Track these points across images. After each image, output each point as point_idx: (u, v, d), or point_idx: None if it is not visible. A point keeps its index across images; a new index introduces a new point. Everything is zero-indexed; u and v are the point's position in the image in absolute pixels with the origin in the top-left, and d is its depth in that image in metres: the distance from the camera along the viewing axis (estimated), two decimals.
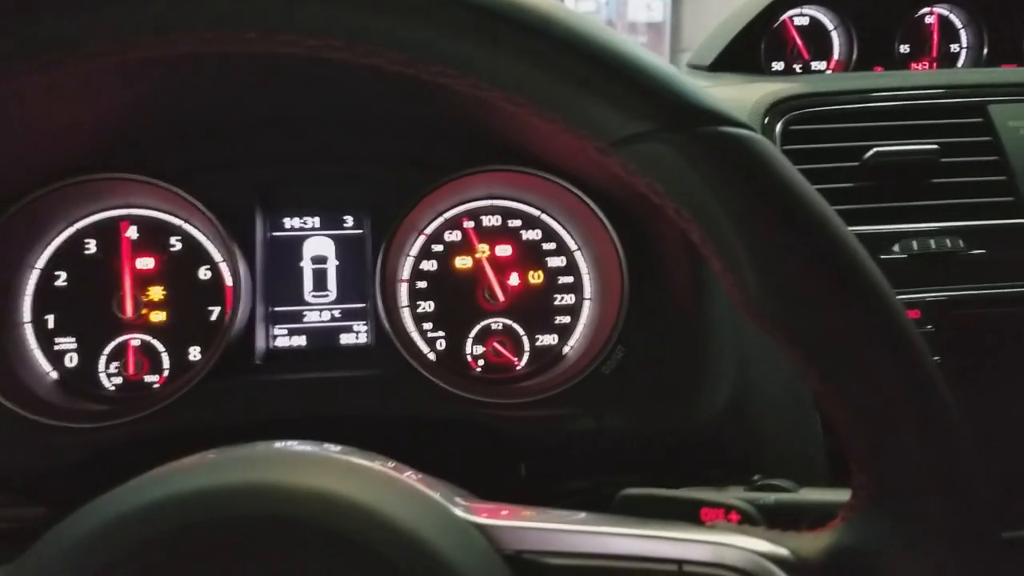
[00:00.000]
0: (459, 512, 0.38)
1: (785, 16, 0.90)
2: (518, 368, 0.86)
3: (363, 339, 0.85)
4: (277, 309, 0.84)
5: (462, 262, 0.86)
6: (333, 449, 0.40)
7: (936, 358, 0.68)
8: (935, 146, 0.74)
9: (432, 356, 0.85)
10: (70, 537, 0.34)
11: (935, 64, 0.93)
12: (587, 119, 0.39)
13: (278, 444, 0.41)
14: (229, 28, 0.36)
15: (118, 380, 0.81)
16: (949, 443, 0.38)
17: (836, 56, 0.92)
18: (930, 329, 0.70)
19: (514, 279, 0.86)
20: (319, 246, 0.86)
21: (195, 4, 0.35)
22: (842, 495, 0.44)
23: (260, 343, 0.82)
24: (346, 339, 0.85)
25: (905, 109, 0.78)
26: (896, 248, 0.71)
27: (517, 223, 0.87)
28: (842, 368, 0.38)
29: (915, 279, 0.72)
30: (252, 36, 0.36)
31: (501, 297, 0.86)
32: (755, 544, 0.37)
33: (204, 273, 0.83)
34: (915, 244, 0.71)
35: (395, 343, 0.79)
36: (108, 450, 0.75)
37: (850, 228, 0.70)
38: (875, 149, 0.73)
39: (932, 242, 0.71)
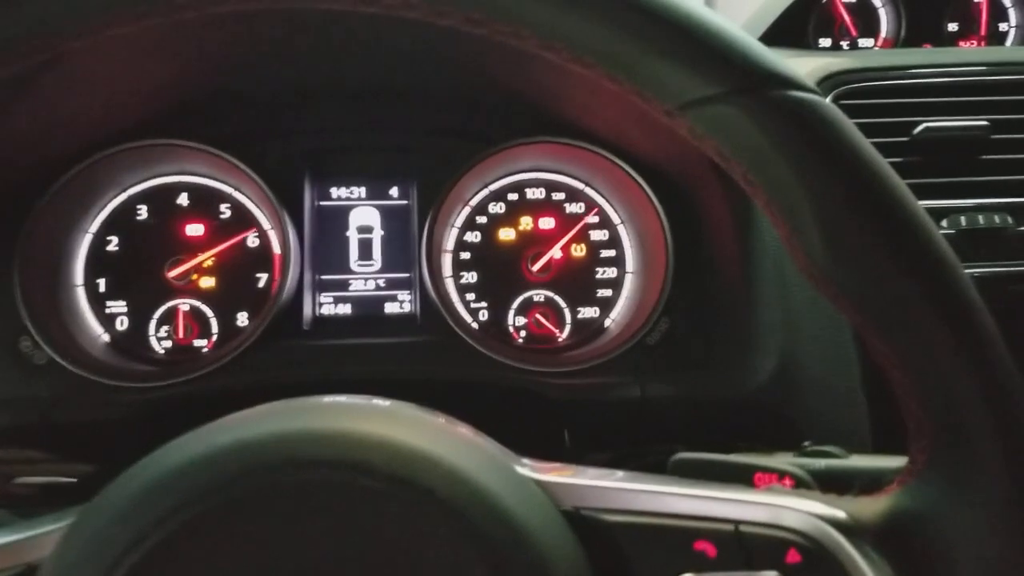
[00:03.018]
0: (520, 468, 0.39)
1: None
2: (560, 340, 0.87)
3: (407, 308, 0.86)
4: (324, 277, 0.86)
5: (506, 234, 0.87)
6: (397, 403, 0.41)
7: None
8: (986, 122, 0.73)
9: (475, 326, 0.86)
10: (142, 480, 0.35)
11: (983, 42, 0.92)
12: (657, 82, 0.39)
13: (343, 397, 0.42)
14: None
15: (168, 344, 0.83)
16: (1009, 406, 0.38)
17: (884, 34, 0.91)
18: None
19: (557, 252, 0.87)
20: (365, 216, 0.87)
21: None
22: (893, 461, 0.44)
23: (307, 310, 0.84)
24: (391, 308, 0.86)
25: (955, 85, 0.77)
26: (945, 223, 0.71)
27: (561, 196, 0.88)
28: (906, 333, 0.38)
29: (964, 254, 0.71)
30: None
31: (544, 269, 0.86)
32: (812, 507, 0.38)
33: (253, 240, 0.84)
34: (964, 220, 0.71)
35: (440, 311, 0.80)
36: (158, 410, 0.77)
37: None
38: (925, 124, 0.73)
39: (981, 217, 0.71)
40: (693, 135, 0.40)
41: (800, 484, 0.45)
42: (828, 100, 0.72)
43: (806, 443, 0.52)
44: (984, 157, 0.74)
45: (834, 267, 0.39)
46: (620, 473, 0.42)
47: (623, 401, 0.76)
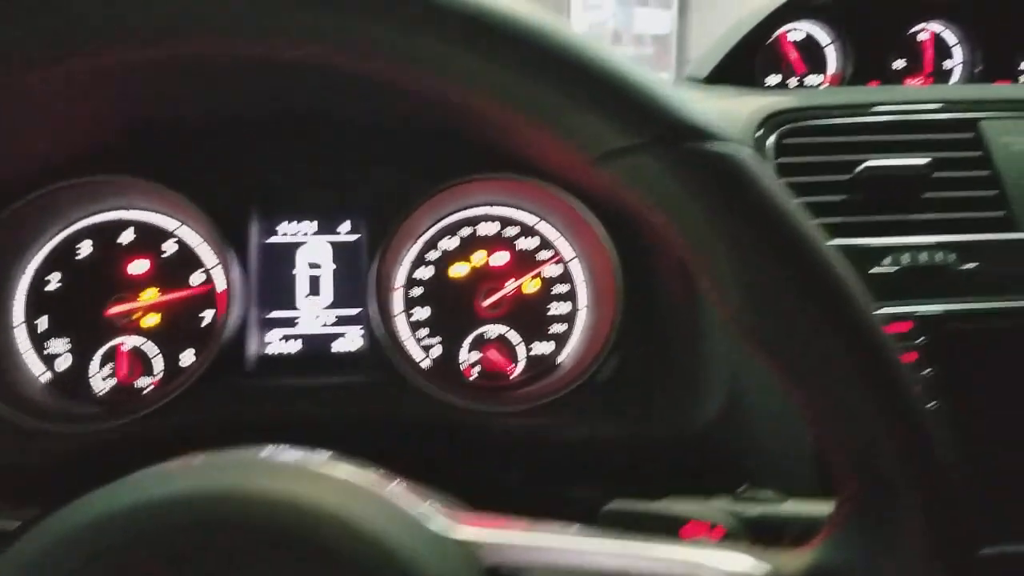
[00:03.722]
0: (434, 526, 0.39)
1: (781, 31, 0.90)
2: (513, 376, 0.86)
3: (357, 345, 0.85)
4: (270, 315, 0.85)
5: (458, 269, 0.87)
6: (315, 458, 0.40)
7: (928, 370, 0.69)
8: (927, 160, 0.74)
9: (426, 363, 0.85)
10: (43, 538, 0.35)
11: (930, 80, 0.94)
12: (575, 131, 0.39)
13: (258, 450, 0.41)
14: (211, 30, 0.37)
15: (110, 383, 0.81)
16: (926, 462, 0.38)
17: (831, 71, 0.92)
18: (922, 341, 0.70)
19: (510, 287, 0.86)
20: (314, 251, 0.86)
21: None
22: (827, 507, 0.44)
23: (252, 349, 0.82)
24: (339, 345, 0.85)
25: (897, 123, 0.78)
26: (887, 261, 0.72)
27: (514, 231, 0.88)
28: (824, 388, 0.38)
29: (907, 292, 0.72)
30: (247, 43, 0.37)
31: (497, 305, 0.86)
32: (735, 562, 0.38)
33: (198, 278, 0.83)
34: (906, 258, 0.72)
35: (389, 349, 0.79)
36: (99, 452, 0.76)
37: (842, 241, 0.71)
38: (867, 163, 0.74)
39: (923, 256, 0.72)
40: (615, 185, 0.40)
41: (730, 534, 0.45)
42: (772, 140, 0.74)
43: (743, 487, 0.52)
44: (926, 195, 0.75)
45: (752, 321, 0.39)
46: (546, 527, 0.42)
47: (571, 441, 0.75)
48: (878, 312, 0.68)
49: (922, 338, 0.70)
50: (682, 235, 0.40)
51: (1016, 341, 0.72)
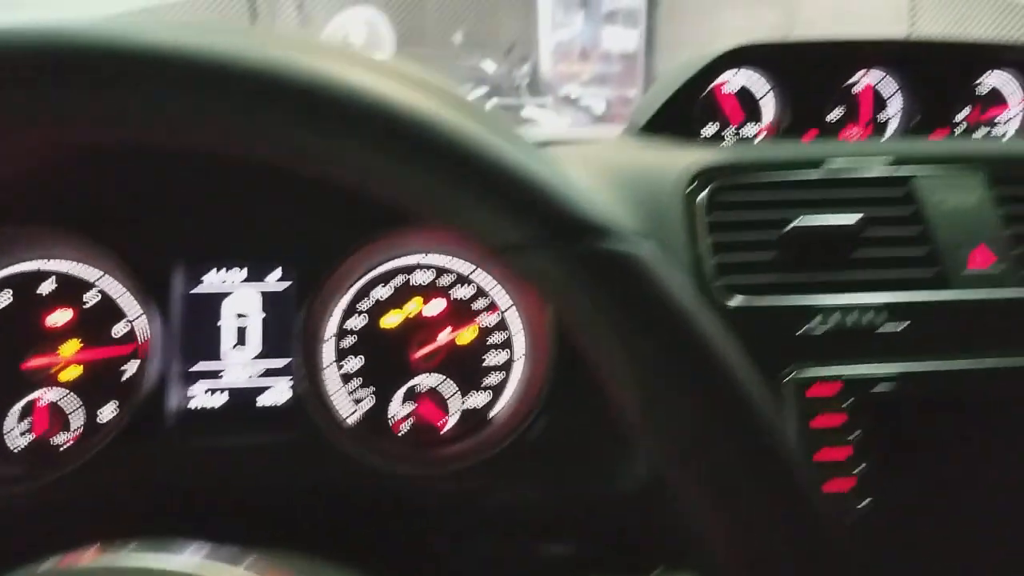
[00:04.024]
0: None
1: (717, 81, 0.90)
2: (444, 430, 0.84)
3: (284, 399, 0.83)
4: (195, 368, 0.83)
5: (391, 319, 0.85)
6: (176, 559, 0.39)
7: (857, 432, 0.68)
8: (856, 219, 0.74)
9: (355, 417, 0.83)
10: None
11: (867, 130, 0.94)
12: (474, 225, 0.38)
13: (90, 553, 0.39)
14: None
15: (27, 439, 0.79)
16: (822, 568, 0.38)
17: (768, 121, 0.92)
18: (850, 404, 0.70)
19: (444, 337, 0.85)
20: (242, 301, 0.84)
21: None
22: None
23: (174, 403, 0.80)
24: (266, 399, 0.83)
25: (829, 180, 0.78)
26: (816, 321, 0.71)
27: (449, 280, 0.86)
28: (719, 497, 0.38)
29: (835, 354, 0.71)
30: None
31: (431, 355, 0.85)
32: None
33: (120, 329, 0.81)
34: (835, 318, 0.71)
35: (316, 404, 0.78)
36: (14, 512, 0.73)
37: (772, 301, 0.70)
38: (797, 221, 0.73)
39: (852, 316, 0.71)
40: (514, 277, 0.40)
41: None
42: (703, 196, 0.73)
43: (658, 570, 0.51)
44: (857, 253, 0.75)
45: (646, 424, 0.39)
46: None
47: (496, 506, 0.74)
48: (805, 376, 0.67)
49: (849, 401, 0.69)
50: (577, 332, 0.39)
51: (945, 403, 0.71)
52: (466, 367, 0.85)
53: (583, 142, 0.99)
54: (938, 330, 0.73)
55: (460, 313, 0.85)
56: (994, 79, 0.96)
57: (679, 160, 0.79)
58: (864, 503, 0.69)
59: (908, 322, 0.72)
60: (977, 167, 0.80)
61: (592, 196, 0.39)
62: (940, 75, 0.94)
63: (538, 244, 0.37)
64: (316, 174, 0.40)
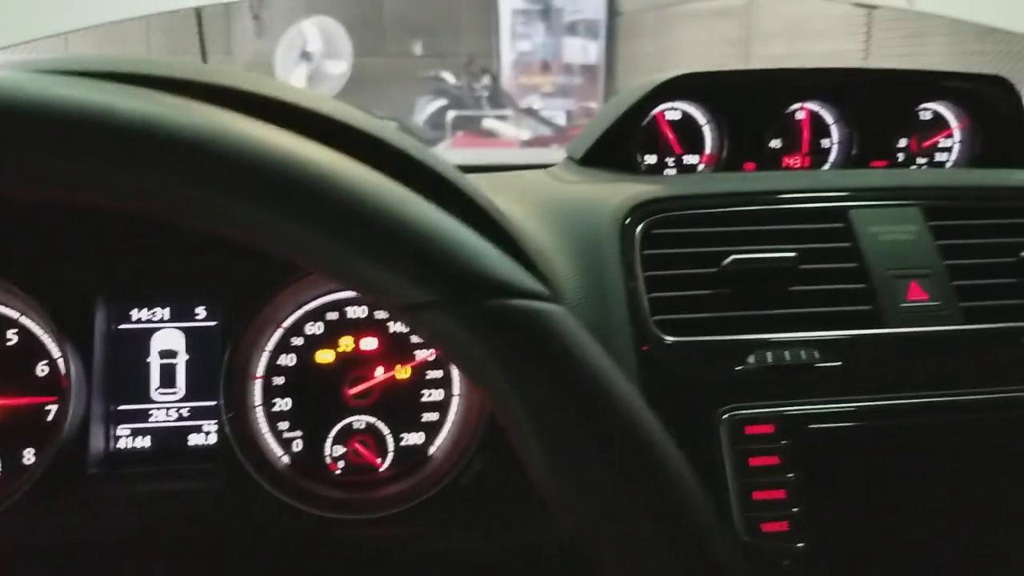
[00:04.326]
0: None
1: (657, 110, 0.89)
2: (381, 470, 0.82)
3: (212, 440, 0.80)
4: (120, 408, 0.80)
5: (324, 356, 0.83)
6: None
7: (790, 475, 0.67)
8: (793, 253, 0.73)
9: (286, 459, 0.81)
10: None
11: (807, 159, 0.93)
12: (374, 283, 0.37)
13: None
14: None
15: None
16: None
17: (708, 150, 0.91)
18: (784, 444, 0.68)
19: (380, 373, 0.83)
20: (168, 339, 0.81)
21: None
22: None
23: (98, 445, 0.78)
24: (194, 441, 0.81)
25: (766, 214, 0.77)
26: (752, 359, 0.70)
27: (384, 314, 0.84)
28: (627, 556, 0.37)
29: (770, 392, 0.70)
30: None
31: (365, 393, 0.82)
32: None
33: (42, 369, 0.78)
34: (770, 355, 0.70)
35: (246, 446, 0.76)
36: None
37: (708, 338, 0.69)
38: (733, 256, 0.72)
39: (788, 353, 0.70)
40: (420, 335, 0.38)
41: None
42: (639, 230, 0.72)
43: None
44: (793, 289, 0.74)
45: (556, 487, 0.37)
46: None
47: (431, 552, 0.72)
48: (741, 415, 0.66)
49: (784, 440, 0.68)
50: (484, 390, 0.38)
51: (880, 441, 0.71)
52: (402, 405, 0.83)
53: (522, 168, 0.98)
54: (875, 366, 0.72)
55: (396, 349, 0.83)
56: (933, 108, 0.96)
57: (616, 193, 0.78)
58: (801, 544, 0.68)
59: (845, 358, 0.72)
60: (915, 200, 0.80)
61: (495, 251, 0.38)
62: (879, 105, 0.94)
63: (441, 303, 0.35)
64: (208, 231, 0.38)
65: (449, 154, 1.57)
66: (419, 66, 6.61)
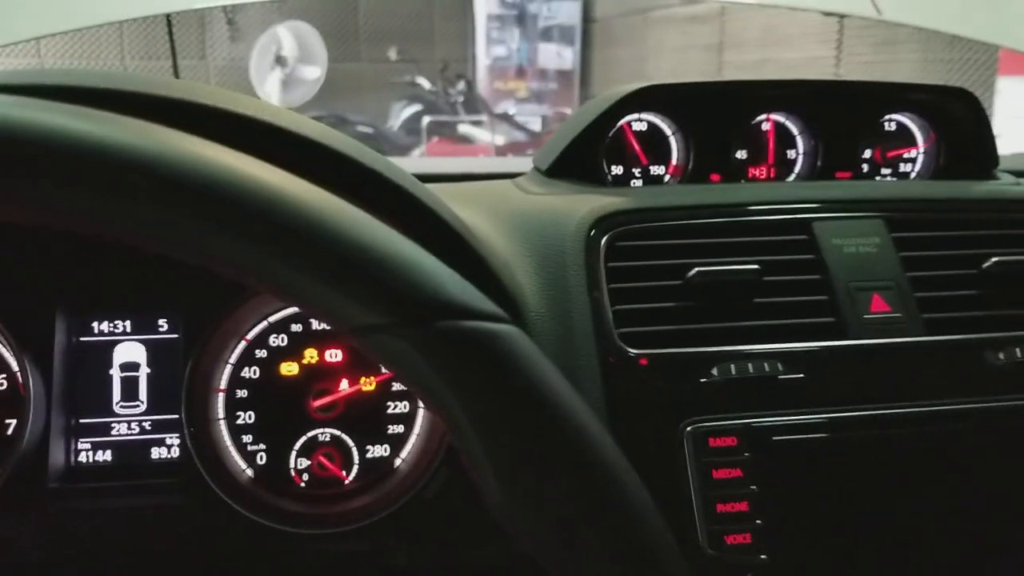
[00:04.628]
0: None
1: (623, 121, 0.89)
2: (346, 483, 0.82)
3: (175, 453, 0.80)
4: (81, 421, 0.79)
5: (288, 368, 0.82)
6: None
7: (753, 487, 0.67)
8: (757, 265, 0.73)
9: (250, 472, 0.80)
10: None
11: (772, 170, 0.93)
12: (320, 305, 0.36)
13: None
14: None
15: None
16: None
17: (675, 161, 0.91)
18: (747, 456, 0.69)
19: (344, 386, 0.82)
20: (130, 352, 0.81)
21: None
22: None
23: (59, 459, 0.77)
24: (157, 453, 0.80)
25: (731, 226, 0.77)
26: (715, 372, 0.70)
27: None
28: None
29: (736, 403, 0.71)
30: None
31: (330, 406, 0.82)
32: None
33: (0, 383, 0.77)
34: (734, 368, 0.70)
35: (208, 460, 0.75)
36: None
37: (671, 351, 0.69)
38: (697, 268, 0.72)
39: (751, 366, 0.70)
40: (371, 357, 0.38)
41: None
42: (603, 243, 0.71)
43: None
44: (757, 301, 0.74)
45: (509, 511, 0.37)
46: None
47: (390, 569, 0.72)
48: (705, 427, 0.66)
49: (747, 453, 0.68)
50: (436, 413, 0.38)
51: (843, 453, 0.71)
52: (368, 417, 0.82)
53: (490, 177, 0.98)
54: (838, 378, 0.73)
55: (361, 361, 0.83)
56: (898, 119, 0.96)
57: (581, 205, 0.78)
58: (765, 556, 0.68)
59: (808, 371, 0.72)
60: (878, 212, 0.80)
61: (448, 271, 0.37)
62: (844, 116, 0.94)
63: (392, 326, 0.35)
64: (157, 252, 0.38)
65: (413, 162, 1.57)
66: (394, 71, 6.59)
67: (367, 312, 0.35)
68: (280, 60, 4.67)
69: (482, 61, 7.56)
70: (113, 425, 0.80)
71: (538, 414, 0.36)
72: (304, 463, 0.81)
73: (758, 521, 0.68)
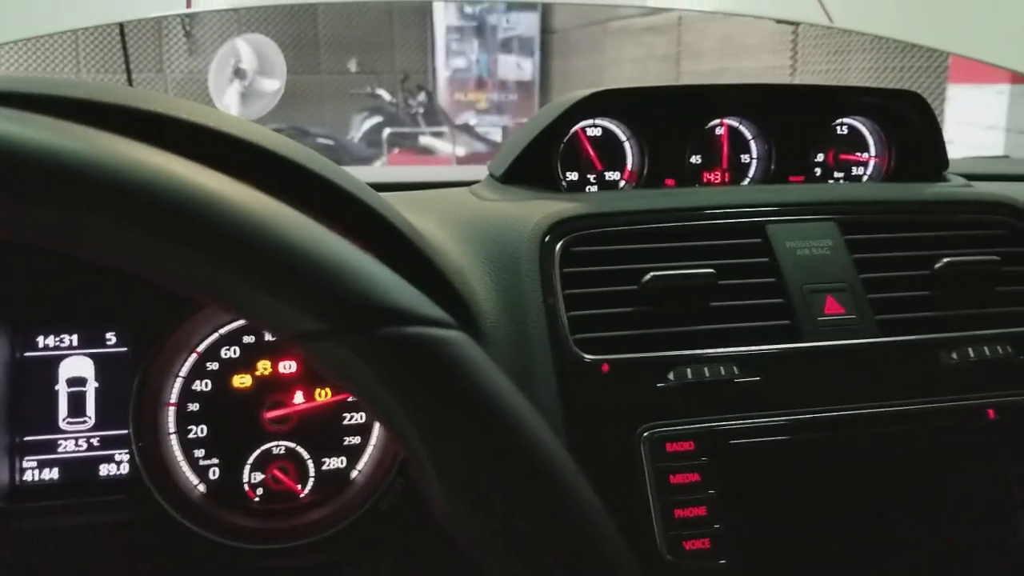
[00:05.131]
0: None
1: (578, 127, 0.89)
2: (302, 496, 0.80)
3: (124, 470, 0.78)
4: (26, 439, 0.77)
5: (241, 381, 0.80)
6: None
7: (711, 491, 0.67)
8: (712, 269, 0.73)
9: (202, 487, 0.78)
10: None
11: (727, 175, 0.94)
12: (260, 312, 0.35)
13: None
14: None
15: None
16: None
17: (630, 167, 0.91)
18: (704, 461, 0.68)
19: (298, 397, 0.81)
20: (77, 367, 0.78)
21: None
22: None
23: (3, 478, 0.75)
24: (106, 470, 0.78)
25: (684, 231, 0.77)
26: (672, 376, 0.70)
27: None
28: None
29: (693, 408, 0.70)
30: None
31: (284, 418, 0.80)
32: None
33: None
34: (690, 372, 0.70)
35: (157, 476, 0.73)
36: None
37: (628, 356, 0.68)
38: (652, 273, 0.72)
39: (707, 369, 0.70)
40: (314, 365, 0.37)
41: None
42: (558, 248, 0.71)
43: None
44: (712, 304, 0.74)
45: (458, 515, 0.36)
46: None
47: None
48: (662, 432, 0.66)
49: (704, 457, 0.68)
50: (380, 422, 0.37)
51: (799, 455, 0.71)
52: (323, 428, 0.81)
53: (445, 185, 0.97)
54: (793, 380, 0.73)
55: (316, 372, 0.81)
56: (850, 123, 0.97)
57: (536, 210, 0.77)
58: (724, 561, 0.67)
59: (764, 373, 0.72)
60: (830, 214, 0.81)
61: (392, 276, 0.36)
62: (796, 120, 0.95)
63: (330, 332, 0.34)
64: (91, 260, 0.36)
65: (369, 171, 1.55)
66: (354, 83, 6.57)
67: (308, 318, 0.34)
68: (239, 72, 4.63)
69: (442, 72, 7.56)
70: (60, 442, 0.77)
71: (485, 422, 0.35)
72: (258, 477, 0.80)
73: (716, 526, 0.68)
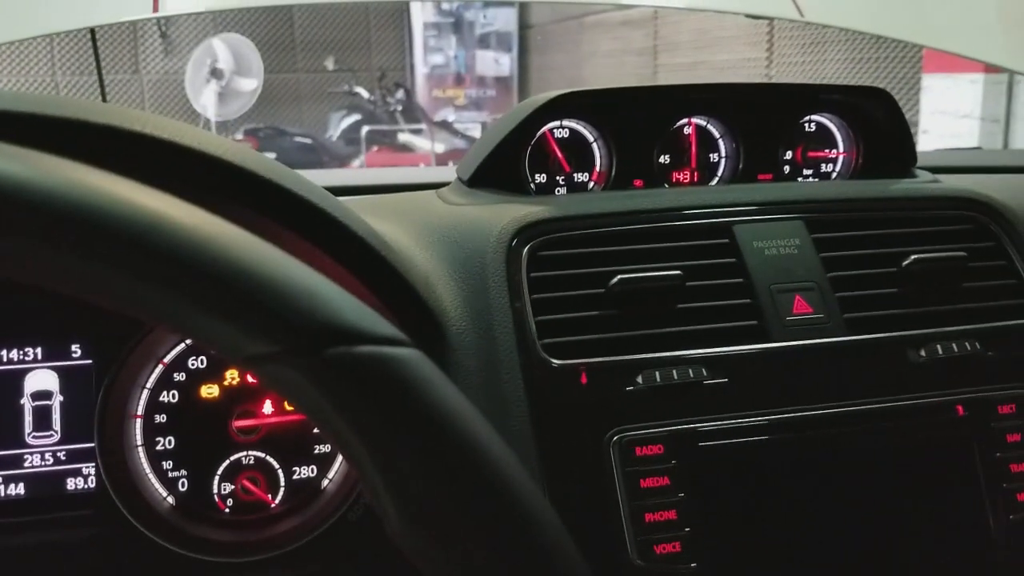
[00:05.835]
0: None
1: (545, 129, 0.88)
2: (272, 506, 0.80)
3: (92, 484, 0.77)
4: None
5: (209, 391, 0.80)
6: None
7: (681, 495, 0.67)
8: (679, 271, 0.73)
9: (171, 500, 0.78)
10: None
11: (695, 174, 0.94)
12: (206, 334, 0.35)
13: None
14: None
15: None
16: None
17: (598, 168, 0.91)
18: (674, 464, 0.68)
19: (267, 407, 0.80)
20: (41, 380, 0.77)
21: None
22: None
23: None
24: (73, 484, 0.77)
25: (651, 232, 0.77)
26: (640, 380, 0.70)
27: None
28: None
29: (662, 411, 0.70)
30: None
31: (253, 428, 0.80)
32: None
33: None
34: (659, 375, 0.70)
35: (124, 489, 0.72)
36: None
37: (597, 360, 0.68)
38: (619, 276, 0.72)
39: (675, 372, 0.70)
40: (265, 386, 0.36)
41: None
42: (525, 252, 0.70)
43: None
44: (680, 306, 0.74)
45: (411, 537, 0.36)
46: None
47: None
48: (631, 436, 0.66)
49: (674, 460, 0.68)
50: (332, 443, 0.36)
51: (769, 456, 0.71)
52: (293, 438, 0.80)
53: (414, 187, 0.97)
54: (762, 381, 0.73)
55: None
56: (817, 120, 0.97)
57: (502, 214, 0.77)
58: (695, 564, 0.67)
59: (733, 374, 0.72)
60: (797, 213, 0.81)
61: (342, 294, 0.36)
62: (764, 118, 0.95)
63: (278, 355, 0.33)
64: (31, 282, 0.36)
65: (331, 175, 1.54)
66: (332, 82, 6.55)
67: (254, 341, 0.33)
68: (216, 72, 4.60)
69: (420, 69, 7.54)
70: (25, 457, 0.76)
71: (436, 442, 0.35)
72: (228, 488, 0.79)
73: (687, 529, 0.68)
